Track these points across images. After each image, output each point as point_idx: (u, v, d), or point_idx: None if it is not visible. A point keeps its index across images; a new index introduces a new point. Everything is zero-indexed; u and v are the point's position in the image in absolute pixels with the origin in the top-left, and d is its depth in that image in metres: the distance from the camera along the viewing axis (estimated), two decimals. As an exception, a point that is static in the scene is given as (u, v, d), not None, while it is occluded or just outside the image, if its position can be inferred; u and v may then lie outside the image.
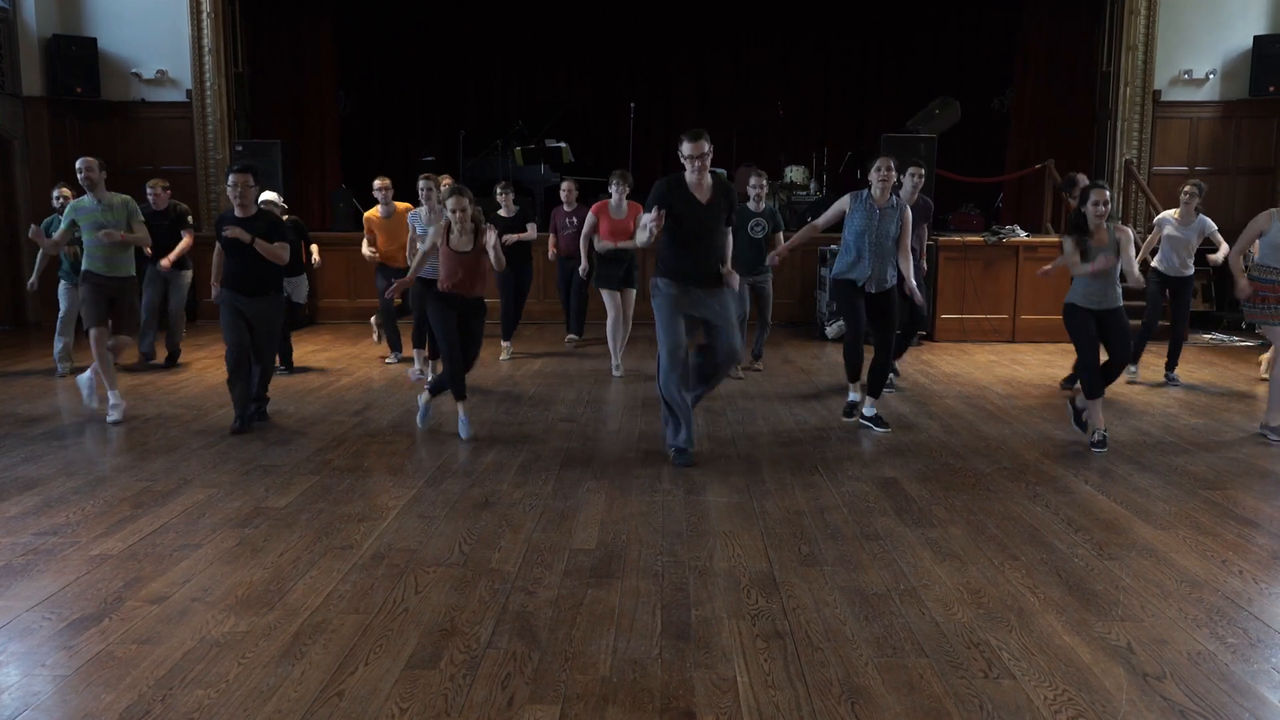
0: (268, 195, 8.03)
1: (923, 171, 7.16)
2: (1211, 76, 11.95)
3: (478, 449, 5.69)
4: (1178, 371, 8.03)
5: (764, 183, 7.91)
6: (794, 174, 12.91)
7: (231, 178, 6.01)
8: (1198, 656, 3.14)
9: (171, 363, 8.50)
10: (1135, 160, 11.92)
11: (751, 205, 7.82)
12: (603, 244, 8.07)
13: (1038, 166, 11.86)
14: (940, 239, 10.46)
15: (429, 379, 7.17)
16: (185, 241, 8.11)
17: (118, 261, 6.59)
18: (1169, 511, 4.66)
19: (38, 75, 11.37)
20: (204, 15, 11.67)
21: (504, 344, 8.96)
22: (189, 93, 11.83)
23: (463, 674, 2.99)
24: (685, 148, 5.17)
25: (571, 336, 9.66)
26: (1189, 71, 11.95)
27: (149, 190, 8.36)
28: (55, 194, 8.22)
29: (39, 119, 11.41)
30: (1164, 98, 12.02)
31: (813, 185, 13.08)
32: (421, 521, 4.41)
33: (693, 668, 3.04)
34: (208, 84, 11.79)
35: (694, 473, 5.22)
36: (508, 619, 3.38)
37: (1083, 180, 8.02)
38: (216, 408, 6.78)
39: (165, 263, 7.98)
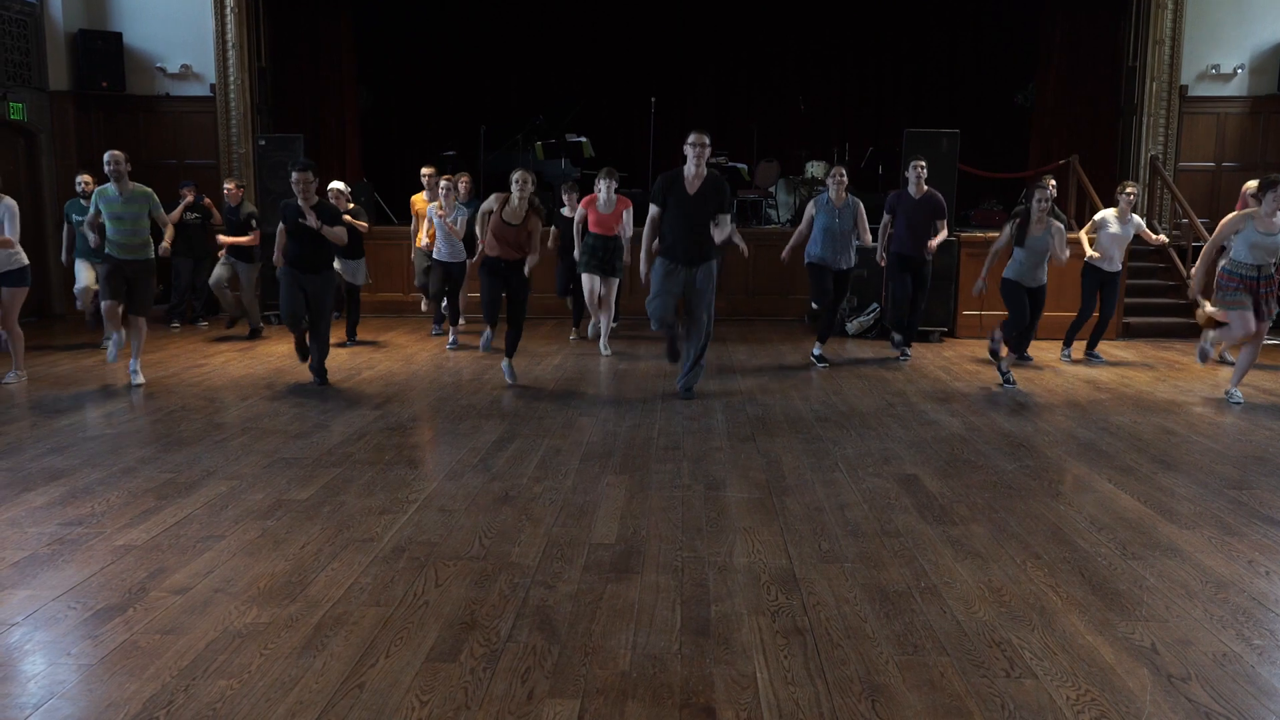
0: (336, 185, 9.14)
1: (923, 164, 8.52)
2: (1240, 71, 11.81)
3: (497, 443, 5.71)
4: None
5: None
6: (815, 169, 12.87)
7: (295, 175, 6.97)
8: (1223, 658, 3.10)
9: (255, 336, 9.72)
10: (1161, 156, 11.79)
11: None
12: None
13: (1061, 162, 11.75)
14: (962, 235, 10.38)
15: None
16: (251, 238, 9.56)
17: (135, 246, 7.30)
18: (1194, 511, 4.62)
19: (64, 70, 11.47)
20: (228, 10, 11.73)
21: (575, 330, 9.99)
22: (213, 87, 11.91)
23: (483, 667, 3.00)
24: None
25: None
26: (1217, 66, 11.81)
27: (225, 187, 9.80)
28: (79, 180, 9.11)
29: (65, 113, 11.52)
30: (1191, 93, 11.88)
31: None
32: (442, 515, 4.43)
33: (712, 664, 3.03)
34: (231, 78, 11.86)
35: (714, 468, 5.22)
36: (528, 613, 3.39)
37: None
38: (239, 400, 6.84)
39: (224, 239, 9.58)
